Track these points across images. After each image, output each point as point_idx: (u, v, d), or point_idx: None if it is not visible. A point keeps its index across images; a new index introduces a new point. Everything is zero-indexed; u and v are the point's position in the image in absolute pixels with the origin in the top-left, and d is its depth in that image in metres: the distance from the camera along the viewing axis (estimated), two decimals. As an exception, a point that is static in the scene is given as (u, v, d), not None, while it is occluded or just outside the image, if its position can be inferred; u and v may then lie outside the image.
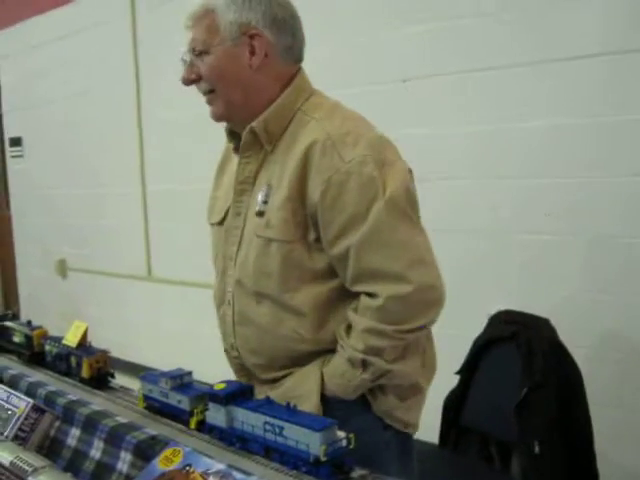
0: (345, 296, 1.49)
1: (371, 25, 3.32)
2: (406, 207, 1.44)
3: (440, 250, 3.19)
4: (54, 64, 5.27)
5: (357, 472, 1.19)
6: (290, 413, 1.21)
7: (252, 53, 1.49)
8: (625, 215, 2.63)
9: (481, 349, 2.37)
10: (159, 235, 4.62)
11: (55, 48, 5.22)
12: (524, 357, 2.17)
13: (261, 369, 1.59)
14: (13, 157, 5.98)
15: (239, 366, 1.66)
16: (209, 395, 1.32)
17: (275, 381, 1.57)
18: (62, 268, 5.54)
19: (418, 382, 1.55)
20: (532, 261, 2.87)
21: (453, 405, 2.42)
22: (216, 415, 1.31)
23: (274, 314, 1.52)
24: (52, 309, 5.59)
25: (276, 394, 1.48)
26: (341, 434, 1.16)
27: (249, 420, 1.25)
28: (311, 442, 1.14)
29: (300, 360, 1.53)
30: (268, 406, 1.25)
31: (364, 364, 1.45)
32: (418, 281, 1.41)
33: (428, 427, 2.49)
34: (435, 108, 3.13)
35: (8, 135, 6.03)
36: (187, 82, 1.55)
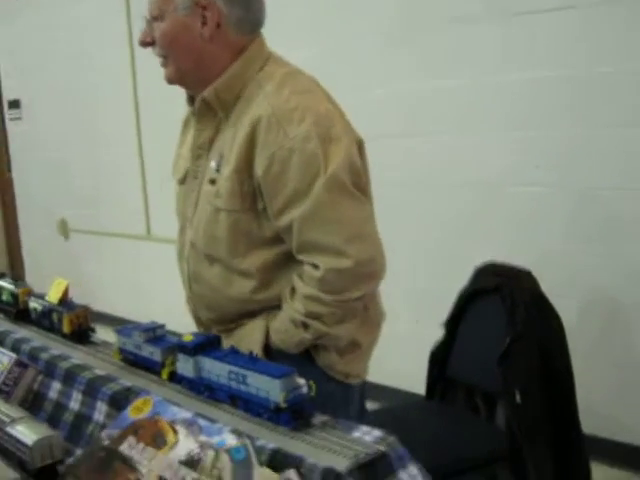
0: (291, 260, 1.54)
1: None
2: (348, 183, 1.47)
3: (430, 204, 3.24)
4: (51, 26, 5.24)
5: (318, 419, 1.22)
6: (253, 362, 1.24)
7: (204, 23, 1.51)
8: (607, 166, 2.64)
9: (466, 301, 2.39)
10: (157, 195, 4.63)
11: (52, 9, 5.18)
12: (507, 308, 2.19)
13: (214, 322, 1.67)
14: (12, 119, 5.99)
15: (196, 318, 1.74)
16: (178, 346, 1.36)
17: (228, 332, 1.64)
18: (64, 228, 5.58)
19: (356, 339, 1.61)
20: (521, 213, 2.89)
21: (439, 357, 2.45)
22: (185, 365, 1.34)
23: (224, 276, 1.59)
24: (55, 269, 5.61)
25: (227, 343, 1.53)
26: (301, 381, 1.19)
27: (215, 370, 1.28)
28: (271, 389, 1.17)
29: (248, 315, 1.61)
30: (233, 356, 1.28)
31: (304, 325, 1.52)
32: (357, 255, 1.46)
33: (416, 379, 2.55)
34: (418, 62, 3.11)
35: (6, 98, 6.03)
36: (142, 44, 1.60)
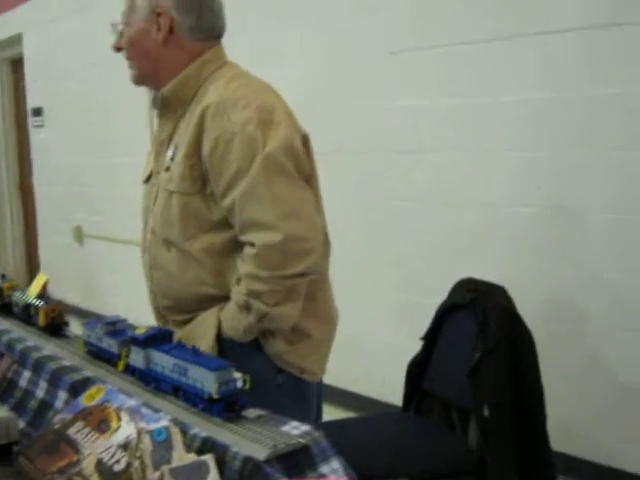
0: (239, 247, 1.61)
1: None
2: (286, 164, 1.56)
3: (430, 221, 3.27)
4: (72, 36, 5.42)
5: (253, 412, 1.28)
6: (195, 356, 1.30)
7: (158, 29, 1.67)
8: (607, 189, 2.68)
9: (443, 315, 2.43)
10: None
11: (73, 20, 5.35)
12: (479, 323, 2.23)
13: (170, 311, 1.74)
14: (35, 127, 6.16)
15: (156, 309, 1.81)
16: (131, 339, 1.43)
17: (184, 323, 1.71)
18: (79, 235, 5.72)
19: (303, 328, 1.66)
20: (517, 234, 2.93)
21: (416, 369, 2.49)
22: (136, 357, 1.41)
23: (180, 261, 1.67)
24: (70, 274, 5.78)
25: (181, 335, 1.63)
26: (237, 375, 1.26)
27: (162, 362, 1.35)
28: (206, 381, 1.23)
29: (205, 304, 1.67)
30: (178, 349, 1.35)
31: (247, 306, 1.57)
32: (288, 232, 1.52)
33: (395, 390, 2.59)
34: (424, 81, 3.18)
35: (30, 105, 6.20)
36: (114, 49, 1.77)
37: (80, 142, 5.54)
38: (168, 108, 1.71)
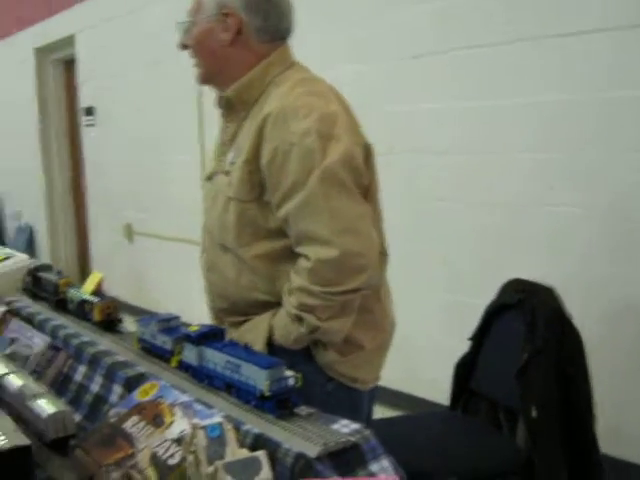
0: (294, 255, 1.60)
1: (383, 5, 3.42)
2: (344, 178, 1.54)
3: (473, 219, 3.27)
4: (123, 36, 5.52)
5: (305, 410, 1.30)
6: (248, 353, 1.33)
7: (226, 30, 1.66)
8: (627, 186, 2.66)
9: (491, 316, 2.43)
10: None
11: (124, 21, 5.46)
12: (527, 324, 2.21)
13: (225, 313, 1.76)
14: (86, 126, 6.29)
15: (212, 310, 1.83)
16: (184, 336, 1.46)
17: (238, 325, 1.72)
18: (129, 232, 5.82)
19: (356, 339, 1.65)
20: (550, 232, 2.91)
21: (463, 369, 2.49)
22: (189, 354, 1.44)
23: (235, 265, 1.67)
24: (120, 271, 5.89)
25: (233, 336, 1.63)
26: (288, 373, 1.28)
27: (215, 359, 1.38)
28: (258, 378, 1.26)
29: (258, 308, 1.68)
30: (231, 347, 1.38)
31: (299, 319, 1.57)
32: (344, 247, 1.51)
33: (443, 389, 2.60)
34: (447, 83, 3.19)
35: (82, 105, 6.34)
36: (180, 47, 1.75)
37: (130, 140, 5.64)
38: (232, 109, 1.71)
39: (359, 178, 1.58)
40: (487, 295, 2.48)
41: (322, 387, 1.64)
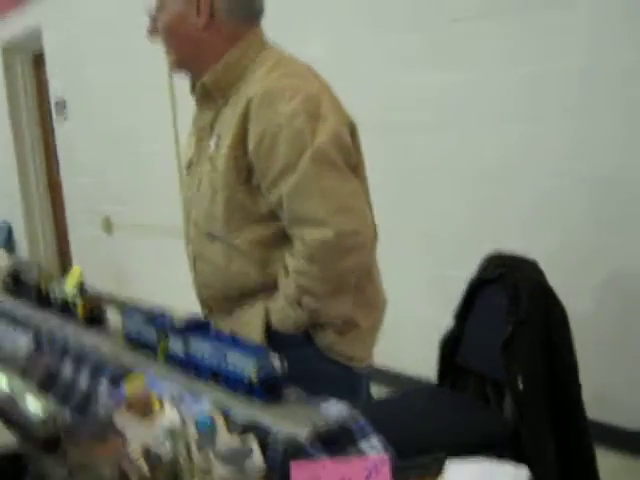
0: (287, 238, 1.59)
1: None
2: (335, 158, 1.52)
3: (442, 196, 3.28)
4: (93, 27, 5.46)
5: (293, 394, 1.31)
6: (234, 341, 1.34)
7: (198, 13, 1.61)
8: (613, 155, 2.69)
9: (473, 290, 2.44)
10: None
11: (90, 12, 5.39)
12: (510, 297, 2.23)
13: (216, 301, 1.74)
14: (59, 120, 6.23)
15: (200, 298, 1.81)
16: (170, 327, 1.46)
17: (229, 313, 1.70)
18: (108, 225, 5.79)
19: (353, 318, 1.65)
20: (535, 204, 2.93)
21: (449, 345, 2.50)
22: (176, 345, 1.45)
23: (224, 253, 1.65)
24: (102, 264, 5.86)
25: (228, 324, 1.64)
26: (275, 360, 1.28)
27: (201, 349, 1.38)
28: (245, 366, 1.26)
29: (250, 294, 1.66)
30: (216, 336, 1.38)
31: (297, 302, 1.57)
32: (340, 227, 1.50)
33: (429, 365, 2.61)
34: (425, 56, 3.21)
35: (53, 99, 6.27)
36: (150, 33, 1.71)
37: (104, 132, 5.60)
38: (209, 96, 1.67)
39: (348, 157, 1.57)
40: (471, 268, 2.50)
41: (320, 369, 1.63)
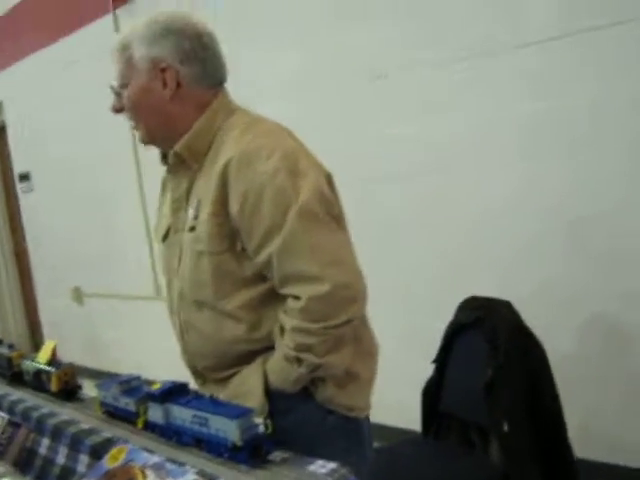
0: (277, 297, 1.58)
1: (340, 25, 3.44)
2: (320, 212, 1.53)
3: (432, 242, 3.28)
4: (53, 99, 5.47)
5: (279, 456, 1.28)
6: (214, 405, 1.31)
7: (164, 85, 1.61)
8: (605, 193, 2.70)
9: (452, 336, 2.45)
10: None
11: (51, 84, 5.41)
12: (488, 340, 2.24)
13: (210, 370, 1.70)
14: (24, 192, 6.19)
15: (192, 369, 1.76)
16: (148, 396, 1.43)
17: (225, 380, 1.67)
18: (78, 295, 5.71)
19: (353, 369, 1.63)
20: (518, 245, 2.95)
21: (430, 392, 2.50)
22: (155, 413, 1.41)
23: (214, 320, 1.62)
24: (73, 335, 5.77)
25: (225, 393, 1.61)
26: (258, 420, 1.26)
27: (181, 415, 1.35)
28: (228, 429, 1.23)
29: (244, 359, 1.63)
30: (196, 401, 1.35)
31: (298, 360, 1.54)
32: (334, 280, 1.49)
33: (412, 415, 2.59)
34: (418, 99, 3.21)
35: (17, 171, 6.24)
36: (114, 111, 1.69)
37: (70, 203, 5.56)
38: (182, 164, 1.66)
39: (331, 208, 1.57)
40: (448, 316, 2.50)
41: (322, 423, 1.61)
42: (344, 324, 1.54)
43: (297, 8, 3.59)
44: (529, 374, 2.21)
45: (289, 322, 1.54)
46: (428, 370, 2.56)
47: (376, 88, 3.33)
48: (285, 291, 1.55)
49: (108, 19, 4.75)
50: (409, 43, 3.20)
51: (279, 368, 1.58)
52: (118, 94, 1.66)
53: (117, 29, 4.65)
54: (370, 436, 1.78)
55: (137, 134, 1.71)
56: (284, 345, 1.56)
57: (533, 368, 2.22)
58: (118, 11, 4.70)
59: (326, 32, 3.49)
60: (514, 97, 2.89)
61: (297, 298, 1.52)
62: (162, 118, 1.64)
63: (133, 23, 1.67)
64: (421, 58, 3.15)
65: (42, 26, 5.47)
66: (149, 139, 1.70)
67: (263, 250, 1.53)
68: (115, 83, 1.67)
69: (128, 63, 1.62)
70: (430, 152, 3.19)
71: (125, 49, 1.62)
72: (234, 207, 1.54)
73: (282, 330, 1.57)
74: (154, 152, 1.82)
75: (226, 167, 1.54)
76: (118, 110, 1.68)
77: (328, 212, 1.55)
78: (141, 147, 4.74)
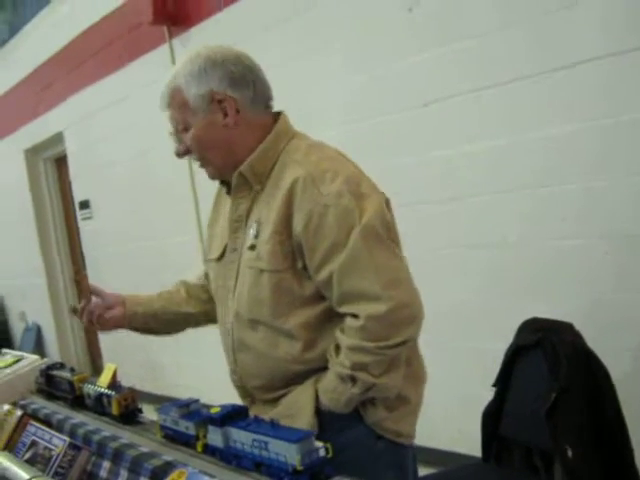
0: (333, 317, 1.60)
1: (392, 54, 3.45)
2: (382, 233, 1.56)
3: (473, 265, 3.25)
4: (112, 128, 5.61)
5: (338, 480, 1.27)
6: (274, 429, 1.30)
7: (225, 115, 1.63)
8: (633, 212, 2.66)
9: (512, 358, 2.40)
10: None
11: (111, 113, 5.55)
12: (550, 363, 2.19)
13: (261, 391, 1.71)
14: (83, 219, 6.33)
15: (241, 390, 1.78)
16: (208, 419, 1.43)
17: (275, 401, 1.68)
18: (135, 320, 5.79)
19: (403, 393, 1.64)
20: (562, 267, 2.89)
21: (491, 417, 2.44)
22: (214, 437, 1.41)
23: (269, 339, 1.64)
24: (131, 360, 5.83)
25: (275, 412, 1.61)
26: (318, 444, 1.25)
27: (241, 439, 1.35)
28: (289, 453, 1.22)
29: (296, 379, 1.64)
30: (256, 424, 1.34)
31: (352, 379, 1.55)
32: (394, 300, 1.52)
33: (473, 440, 2.54)
34: (454, 128, 3.20)
35: (77, 199, 6.39)
36: (180, 155, 1.72)
37: (128, 230, 5.67)
38: (245, 184, 1.68)
39: (391, 231, 1.60)
40: (505, 338, 2.46)
41: (372, 448, 1.62)
42: (400, 345, 1.55)
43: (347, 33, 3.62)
44: (593, 397, 2.15)
45: (346, 340, 1.55)
46: (487, 394, 2.51)
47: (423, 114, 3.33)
48: (344, 309, 1.56)
49: (164, 49, 4.85)
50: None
51: (332, 387, 1.58)
52: (179, 139, 1.69)
53: (173, 60, 4.75)
54: (415, 465, 1.78)
55: (207, 171, 1.73)
56: (339, 363, 1.56)
57: (597, 391, 2.16)
58: (174, 41, 4.80)
59: (380, 61, 3.50)
60: (542, 119, 2.88)
61: (356, 317, 1.53)
62: (226, 148, 1.66)
63: (175, 67, 1.68)
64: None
65: (100, 58, 5.62)
66: (219, 173, 1.73)
67: (324, 267, 1.55)
68: (173, 129, 1.69)
69: (183, 107, 1.64)
70: (476, 174, 3.17)
71: (175, 93, 1.64)
72: (299, 225, 1.56)
73: (337, 349, 1.58)
74: (212, 182, 1.85)
75: (292, 187, 1.57)
76: (182, 154, 1.71)
77: (388, 234, 1.58)
78: (198, 176, 4.84)
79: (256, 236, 1.64)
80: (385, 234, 1.57)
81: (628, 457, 2.15)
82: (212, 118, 1.63)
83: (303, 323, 1.61)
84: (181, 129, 1.67)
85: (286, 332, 1.61)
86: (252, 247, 1.64)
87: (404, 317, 1.55)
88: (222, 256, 1.77)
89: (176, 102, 1.65)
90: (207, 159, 1.70)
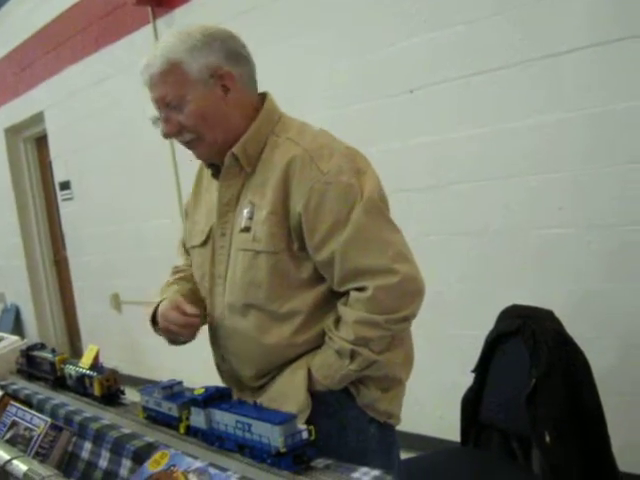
0: (330, 299, 1.59)
1: (380, 40, 3.43)
2: (382, 208, 1.57)
3: (456, 252, 3.26)
4: (93, 109, 5.54)
5: (321, 462, 1.27)
6: (257, 411, 1.31)
7: (226, 90, 1.59)
8: (629, 202, 2.65)
9: (492, 345, 2.42)
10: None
11: (93, 93, 5.49)
12: (530, 349, 2.21)
13: (252, 379, 1.68)
14: (64, 200, 6.27)
15: (229, 377, 1.75)
16: (191, 400, 1.44)
17: (262, 388, 1.66)
18: (116, 302, 5.77)
19: (397, 374, 1.64)
20: (545, 256, 2.91)
21: (470, 402, 2.46)
22: (198, 418, 1.42)
23: (260, 324, 1.61)
24: (111, 342, 5.82)
25: (265, 396, 1.60)
26: (301, 427, 1.26)
27: (224, 420, 1.36)
28: (272, 435, 1.23)
29: (284, 366, 1.63)
30: (239, 406, 1.36)
31: (352, 355, 1.53)
32: (403, 272, 1.52)
33: (451, 426, 2.56)
34: (441, 115, 3.20)
35: (57, 180, 6.33)
36: (170, 135, 1.64)
37: (109, 211, 5.63)
38: (235, 167, 1.63)
39: (388, 207, 1.61)
40: (486, 326, 2.47)
41: (365, 431, 1.61)
42: (406, 319, 1.56)
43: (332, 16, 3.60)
44: (572, 384, 2.17)
45: (352, 314, 1.53)
46: (466, 380, 2.53)
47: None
48: (348, 286, 1.55)
49: (148, 30, 4.81)
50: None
51: (327, 364, 1.57)
52: (167, 118, 1.61)
53: (157, 40, 4.70)
54: (399, 447, 1.77)
55: (195, 152, 1.67)
56: (339, 338, 1.54)
57: (576, 378, 2.18)
58: (158, 22, 4.75)
59: (368, 46, 3.49)
60: (532, 108, 2.88)
61: (362, 290, 1.52)
62: (224, 126, 1.61)
63: (159, 43, 1.61)
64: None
65: (82, 37, 5.54)
66: (212, 153, 1.66)
67: (325, 247, 1.54)
68: (161, 108, 1.61)
69: (181, 82, 1.56)
70: (463, 161, 3.17)
71: (173, 67, 1.56)
72: (298, 204, 1.54)
73: (337, 323, 1.57)
74: (193, 163, 1.82)
75: (289, 166, 1.55)
76: (171, 134, 1.63)
77: (387, 209, 1.59)
78: (179, 157, 4.79)
79: (250, 218, 1.60)
80: (385, 209, 1.58)
81: (605, 444, 2.18)
82: (213, 93, 1.58)
83: (300, 306, 1.59)
84: (174, 105, 1.58)
85: (280, 316, 1.59)
86: (246, 229, 1.61)
87: (412, 290, 1.55)
88: (206, 242, 1.73)
89: (173, 78, 1.56)
90: (202, 136, 1.61)
